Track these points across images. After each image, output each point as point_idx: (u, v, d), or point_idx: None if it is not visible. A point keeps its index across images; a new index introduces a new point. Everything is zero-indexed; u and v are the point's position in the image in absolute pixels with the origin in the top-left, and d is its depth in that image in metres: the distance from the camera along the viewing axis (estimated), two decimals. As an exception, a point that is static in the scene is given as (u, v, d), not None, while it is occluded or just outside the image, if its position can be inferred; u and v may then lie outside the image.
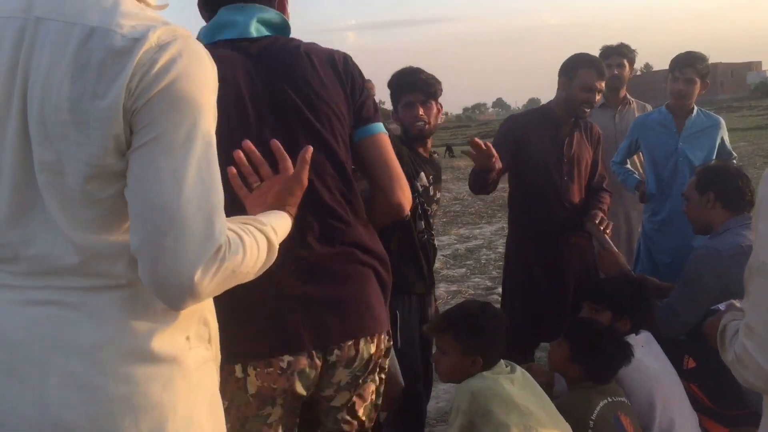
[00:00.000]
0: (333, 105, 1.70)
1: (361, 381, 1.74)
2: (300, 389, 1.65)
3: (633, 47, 4.52)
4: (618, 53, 4.48)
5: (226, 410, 1.46)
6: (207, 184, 1.13)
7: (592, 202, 3.45)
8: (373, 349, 1.73)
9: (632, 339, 2.76)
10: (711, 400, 2.97)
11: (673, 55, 3.95)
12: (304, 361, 1.63)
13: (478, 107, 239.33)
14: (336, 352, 1.66)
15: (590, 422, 2.42)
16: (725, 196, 3.10)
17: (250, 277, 1.24)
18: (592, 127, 3.56)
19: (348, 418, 1.78)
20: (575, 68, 3.32)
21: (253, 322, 1.62)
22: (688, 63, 3.88)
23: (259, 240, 1.26)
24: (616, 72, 4.40)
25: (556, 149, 3.39)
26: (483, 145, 2.87)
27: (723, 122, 4.11)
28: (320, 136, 1.67)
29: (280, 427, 1.70)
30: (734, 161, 4.06)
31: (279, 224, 1.37)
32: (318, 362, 1.66)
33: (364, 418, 1.81)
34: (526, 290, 3.45)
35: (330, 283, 1.67)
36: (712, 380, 2.98)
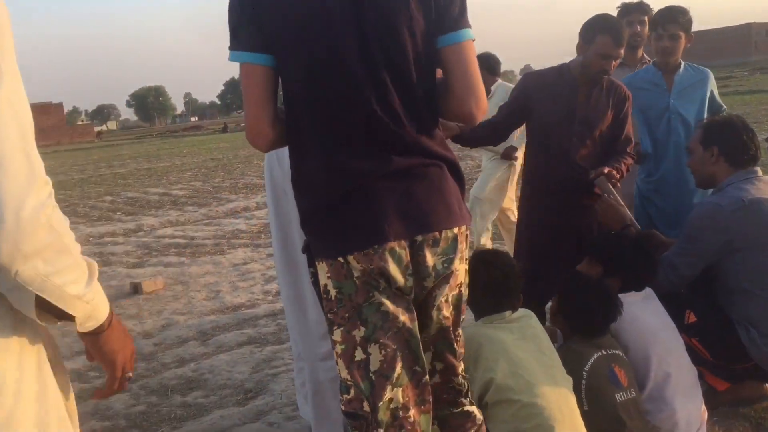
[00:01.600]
0: (409, 11, 1.71)
1: (451, 268, 1.79)
2: (395, 271, 1.70)
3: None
4: (638, 10, 4.34)
5: (340, 301, 1.68)
6: (21, 119, 1.09)
7: (608, 161, 3.36)
8: (459, 238, 1.79)
9: (631, 295, 2.78)
10: (712, 354, 2.99)
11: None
12: (393, 244, 1.70)
13: (506, 75, 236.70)
14: (419, 237, 1.73)
15: (583, 373, 2.47)
16: (729, 151, 3.07)
17: (69, 275, 1.19)
18: (618, 87, 3.41)
19: (445, 314, 1.82)
20: (593, 33, 3.22)
21: (344, 218, 1.71)
22: (671, 19, 3.78)
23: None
24: (638, 29, 4.29)
25: (567, 109, 3.33)
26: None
27: (711, 74, 4.03)
28: (397, 42, 1.71)
29: (400, 316, 1.74)
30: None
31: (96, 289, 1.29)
32: (405, 245, 1.72)
33: (452, 308, 1.84)
34: (534, 248, 3.47)
35: (412, 182, 1.74)
36: (713, 335, 2.99)
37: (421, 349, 1.79)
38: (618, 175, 3.27)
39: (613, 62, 3.24)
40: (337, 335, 1.76)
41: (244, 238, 8.89)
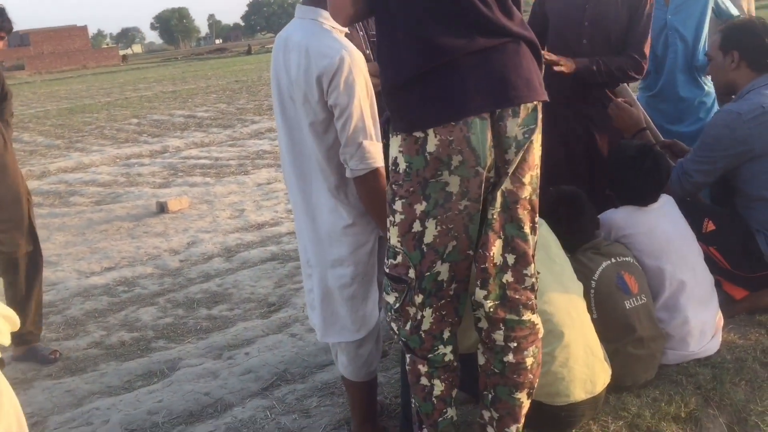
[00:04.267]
0: None
1: (531, 139, 1.83)
2: (476, 142, 1.75)
3: None
4: None
5: (407, 175, 1.76)
6: None
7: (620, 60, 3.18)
8: (538, 110, 1.84)
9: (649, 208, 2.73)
10: (730, 263, 2.97)
11: None
12: (475, 118, 1.76)
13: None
14: (498, 111, 1.78)
15: (592, 282, 2.46)
16: (751, 55, 2.95)
17: None
18: None
19: (513, 188, 1.83)
20: None
21: (428, 92, 1.77)
22: None
23: None
24: None
25: (575, 11, 3.19)
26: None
27: None
28: None
29: (464, 200, 1.80)
30: None
31: None
32: (486, 118, 1.77)
33: (531, 190, 1.86)
34: (548, 161, 3.40)
35: (493, 58, 1.79)
36: (731, 243, 2.96)
37: (479, 234, 1.85)
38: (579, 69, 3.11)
39: None
40: (398, 206, 1.84)
41: (267, 158, 8.92)
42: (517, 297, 1.89)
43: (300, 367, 3.25)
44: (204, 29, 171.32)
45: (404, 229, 1.85)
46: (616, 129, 3.21)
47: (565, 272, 2.33)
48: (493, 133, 1.78)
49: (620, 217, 2.73)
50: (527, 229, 1.87)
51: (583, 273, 2.46)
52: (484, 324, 1.93)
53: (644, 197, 2.72)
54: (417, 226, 1.83)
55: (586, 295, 2.39)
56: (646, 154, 2.73)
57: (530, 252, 1.89)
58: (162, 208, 6.62)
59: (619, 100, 3.17)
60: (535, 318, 1.94)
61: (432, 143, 1.76)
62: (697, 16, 3.73)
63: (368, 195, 2.21)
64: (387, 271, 1.93)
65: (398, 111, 1.83)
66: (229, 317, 4.03)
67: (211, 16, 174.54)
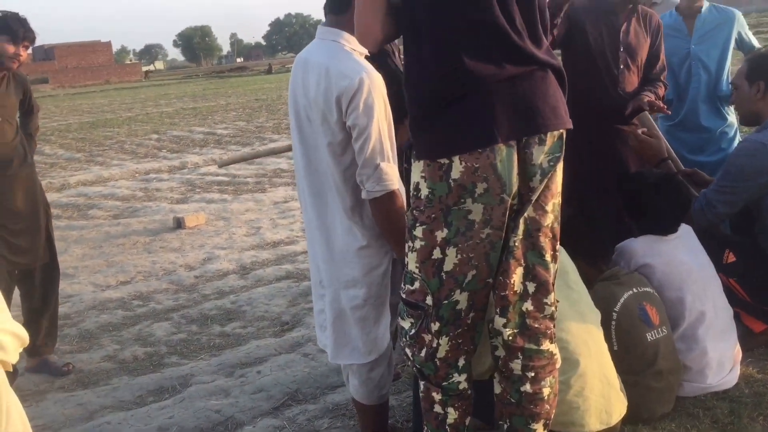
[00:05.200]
0: None
1: (555, 167, 1.84)
2: (503, 170, 1.74)
3: None
4: None
5: (429, 201, 1.77)
6: None
7: (646, 88, 3.29)
8: (563, 139, 1.85)
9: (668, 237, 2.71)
10: (750, 295, 2.93)
11: None
12: (502, 145, 1.76)
13: None
14: (525, 139, 1.79)
15: (613, 313, 2.43)
16: None
17: None
18: (651, 15, 3.37)
19: (536, 216, 1.84)
20: None
21: (456, 120, 1.78)
22: None
23: None
24: None
25: (612, 37, 3.26)
26: None
27: (739, 15, 3.83)
28: None
29: (486, 228, 1.79)
30: None
31: None
32: (513, 145, 1.78)
33: (553, 218, 1.87)
34: (577, 180, 3.40)
35: (521, 86, 1.80)
36: (752, 275, 2.93)
37: (499, 262, 1.85)
38: (657, 100, 3.19)
39: None
40: (419, 232, 1.84)
41: (285, 176, 8.95)
42: (536, 326, 1.88)
43: (312, 387, 3.23)
44: (226, 47, 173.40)
45: (424, 255, 1.84)
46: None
47: (583, 300, 2.31)
48: (519, 160, 1.78)
49: (640, 247, 2.71)
50: (548, 257, 1.87)
51: (603, 303, 2.43)
52: (501, 352, 1.92)
53: (665, 227, 2.70)
54: (437, 254, 1.82)
55: (606, 326, 2.36)
56: (668, 183, 2.71)
57: (551, 280, 1.88)
58: (179, 224, 6.66)
59: (641, 130, 3.16)
60: (554, 348, 1.92)
61: (457, 170, 1.76)
62: (721, 46, 3.73)
63: (384, 217, 2.21)
64: (403, 296, 1.92)
65: (423, 136, 1.83)
66: (243, 335, 4.02)
67: (233, 35, 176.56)
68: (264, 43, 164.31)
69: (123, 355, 3.84)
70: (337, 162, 2.22)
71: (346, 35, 2.22)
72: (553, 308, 1.90)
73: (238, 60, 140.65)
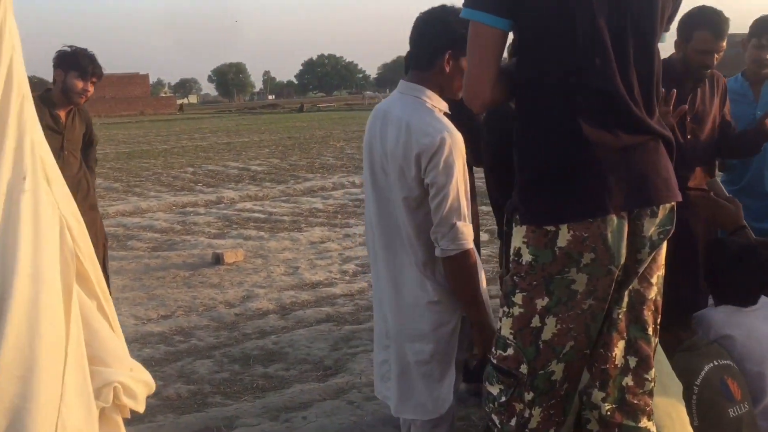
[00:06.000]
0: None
1: (665, 240, 1.82)
2: (612, 240, 1.71)
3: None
4: None
5: (532, 268, 1.73)
6: None
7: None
8: (674, 213, 1.83)
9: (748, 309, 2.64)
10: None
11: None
12: (613, 216, 1.73)
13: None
14: (636, 210, 1.77)
15: (694, 387, 2.36)
16: None
17: None
18: (718, 78, 3.30)
19: (641, 288, 1.82)
20: (691, 29, 3.05)
21: (568, 188, 1.75)
22: None
23: None
24: None
25: (678, 105, 3.21)
26: None
27: None
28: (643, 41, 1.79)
29: (589, 299, 1.75)
30: None
31: None
32: (624, 216, 1.75)
33: (656, 290, 1.85)
34: None
35: (634, 157, 1.77)
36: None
37: (599, 334, 1.82)
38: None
39: (715, 56, 3.08)
40: (518, 298, 1.79)
41: (321, 216, 8.98)
42: (635, 402, 1.83)
43: (360, 438, 3.18)
44: (258, 84, 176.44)
45: (521, 323, 1.80)
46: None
47: (664, 370, 2.24)
48: (629, 232, 1.75)
49: (719, 317, 2.63)
50: (651, 331, 1.83)
51: (684, 375, 2.35)
52: (595, 426, 1.86)
53: (746, 298, 2.63)
54: (536, 322, 1.78)
55: (687, 400, 2.28)
56: (751, 254, 2.65)
57: (652, 355, 1.84)
58: (218, 260, 6.68)
59: (711, 194, 3.10)
60: (651, 426, 1.86)
61: (564, 238, 1.72)
62: None
63: (456, 275, 2.18)
64: (494, 361, 1.87)
65: (531, 202, 1.79)
66: (285, 377, 3.98)
67: (266, 73, 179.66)
68: (296, 81, 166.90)
69: (167, 392, 3.81)
70: (412, 217, 2.20)
71: (429, 92, 2.22)
72: (653, 384, 1.84)
73: (270, 97, 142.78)
